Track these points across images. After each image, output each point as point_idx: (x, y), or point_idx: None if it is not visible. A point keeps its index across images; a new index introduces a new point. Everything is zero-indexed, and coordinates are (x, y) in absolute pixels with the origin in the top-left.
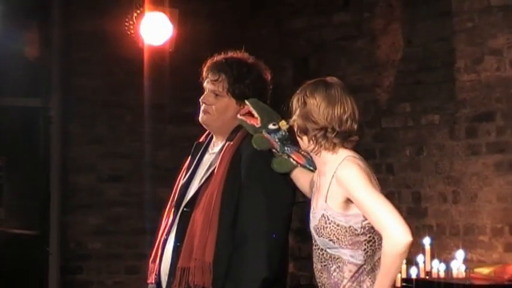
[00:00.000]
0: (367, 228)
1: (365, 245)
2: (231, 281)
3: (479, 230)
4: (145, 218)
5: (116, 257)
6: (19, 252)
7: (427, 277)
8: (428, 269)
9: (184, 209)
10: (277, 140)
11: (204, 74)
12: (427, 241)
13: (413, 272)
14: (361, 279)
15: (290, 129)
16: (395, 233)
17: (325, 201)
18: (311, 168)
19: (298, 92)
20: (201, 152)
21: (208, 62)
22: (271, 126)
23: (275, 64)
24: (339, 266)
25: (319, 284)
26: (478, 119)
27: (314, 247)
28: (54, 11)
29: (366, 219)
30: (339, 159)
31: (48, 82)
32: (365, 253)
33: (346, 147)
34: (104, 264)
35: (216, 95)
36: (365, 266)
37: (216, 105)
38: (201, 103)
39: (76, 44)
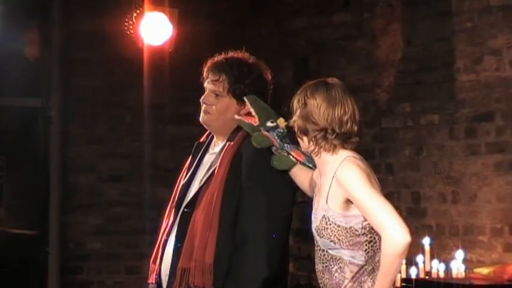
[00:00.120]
0: (367, 228)
1: (366, 245)
2: (231, 281)
3: (478, 230)
4: (145, 218)
5: (115, 257)
6: (19, 252)
7: (427, 277)
8: (427, 269)
9: (185, 210)
10: (276, 138)
11: (205, 74)
12: (426, 241)
13: (413, 272)
14: (362, 279)
15: (290, 128)
16: (394, 234)
17: (326, 202)
18: (310, 165)
19: (298, 92)
20: (201, 152)
21: (209, 62)
22: (269, 124)
23: (275, 64)
24: (340, 267)
25: (320, 285)
26: (477, 119)
27: (316, 248)
28: (54, 11)
29: (366, 219)
30: (339, 160)
31: (48, 82)
32: (366, 253)
33: (346, 148)
34: (103, 264)
35: (217, 95)
36: (366, 267)
37: (216, 106)
38: (201, 103)
39: (76, 44)
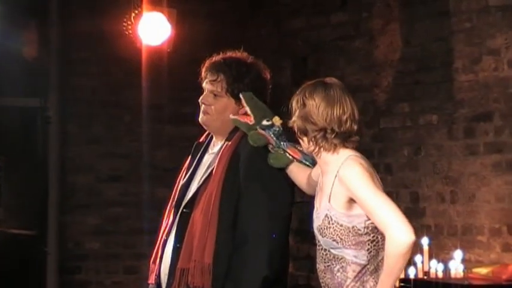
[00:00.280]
0: (370, 228)
1: (368, 245)
2: (232, 281)
3: (477, 230)
4: (143, 218)
5: (114, 257)
6: (17, 252)
7: (425, 277)
8: (426, 269)
9: (184, 210)
10: (272, 136)
11: (203, 74)
12: (425, 241)
13: (412, 272)
14: (365, 279)
15: (289, 128)
16: (398, 233)
17: (329, 201)
18: (307, 163)
19: (297, 93)
20: (201, 152)
21: (207, 63)
22: (264, 123)
23: (274, 64)
24: (343, 266)
25: (322, 285)
26: (476, 119)
27: (317, 247)
28: (53, 11)
29: (369, 219)
30: (341, 159)
31: (46, 82)
32: (368, 253)
33: (347, 147)
34: (102, 264)
35: (215, 95)
36: (368, 266)
37: (215, 106)
38: (200, 104)
39: (74, 44)
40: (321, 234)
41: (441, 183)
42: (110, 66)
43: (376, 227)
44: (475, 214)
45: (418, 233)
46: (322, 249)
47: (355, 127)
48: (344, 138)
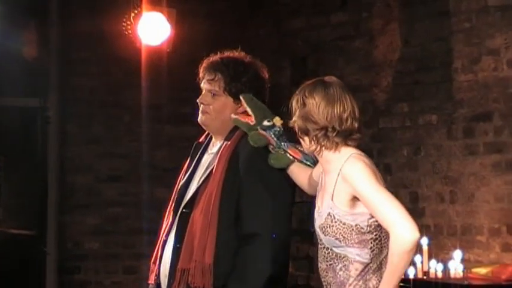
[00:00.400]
0: (373, 226)
1: (371, 243)
2: (235, 280)
3: (476, 230)
4: (143, 218)
5: (113, 257)
6: (17, 252)
7: (425, 277)
8: (425, 269)
9: (183, 210)
10: (272, 136)
11: (201, 74)
12: (424, 241)
13: (411, 272)
14: (368, 277)
15: (290, 128)
16: (403, 231)
17: (332, 200)
18: (308, 163)
19: (297, 92)
20: (200, 152)
21: (205, 62)
22: (265, 123)
23: (273, 64)
24: (345, 265)
25: (324, 284)
26: (475, 119)
27: (319, 246)
28: (52, 11)
29: (372, 217)
30: (344, 157)
31: (46, 82)
32: (371, 251)
33: (349, 146)
34: (101, 264)
35: (213, 94)
36: (371, 265)
37: (213, 105)
38: (199, 104)
39: (74, 44)
40: (323, 232)
41: (440, 183)
42: (109, 66)
43: (379, 225)
44: (475, 214)
45: None
46: (324, 248)
47: (356, 125)
48: (345, 136)
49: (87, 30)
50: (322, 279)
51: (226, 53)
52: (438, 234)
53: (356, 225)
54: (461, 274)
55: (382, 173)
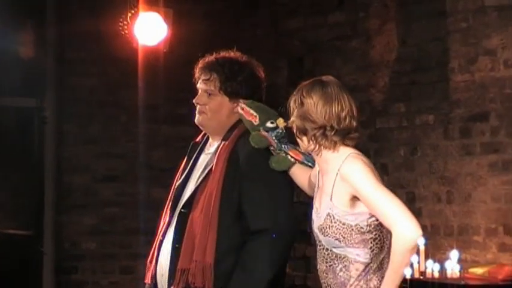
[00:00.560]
0: (373, 226)
1: (371, 243)
2: (241, 272)
3: (473, 230)
4: (139, 218)
5: (110, 257)
6: (13, 253)
7: (422, 277)
8: (422, 269)
9: (182, 210)
10: (274, 138)
11: (197, 74)
12: (421, 241)
13: (408, 272)
14: (368, 277)
15: (289, 128)
16: (404, 229)
17: (331, 200)
18: (309, 164)
19: (294, 92)
20: (197, 152)
21: (200, 63)
22: (268, 125)
23: (270, 64)
24: (345, 266)
25: (324, 285)
26: (472, 119)
27: (318, 247)
28: (49, 11)
29: (371, 216)
30: (342, 157)
31: (43, 82)
32: (371, 251)
33: (347, 145)
34: (98, 264)
35: (209, 94)
36: (371, 265)
37: (209, 105)
38: (195, 104)
39: (71, 44)
40: (322, 233)
41: (437, 183)
42: (106, 66)
43: (378, 225)
44: (471, 214)
45: None
46: (323, 249)
47: (354, 123)
48: (344, 135)
49: (84, 30)
50: (322, 281)
51: (222, 53)
52: (435, 234)
53: (356, 225)
54: (458, 274)
55: (379, 173)
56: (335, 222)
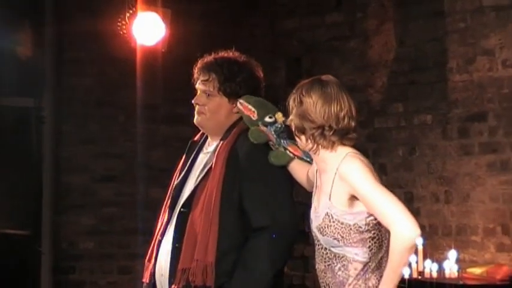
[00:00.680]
0: (371, 225)
1: (369, 242)
2: (242, 269)
3: (471, 230)
4: (138, 218)
5: (108, 257)
6: (11, 252)
7: (420, 277)
8: (420, 269)
9: (182, 209)
10: (273, 133)
11: (195, 75)
12: (419, 241)
13: (406, 272)
14: (367, 276)
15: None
16: (403, 228)
17: (329, 199)
18: (308, 159)
19: (294, 91)
20: (195, 151)
21: (199, 63)
22: (267, 119)
23: (268, 64)
24: (344, 265)
25: (322, 285)
26: (470, 119)
27: (317, 247)
28: (47, 11)
29: (370, 215)
30: (340, 156)
31: (41, 82)
32: (370, 250)
33: (345, 145)
34: (96, 264)
35: (208, 95)
36: (370, 264)
37: (208, 105)
38: (194, 105)
39: (69, 44)
40: (321, 233)
41: (435, 183)
42: (104, 66)
43: (376, 224)
44: (470, 214)
45: None
46: (322, 248)
47: (353, 123)
48: (342, 135)
49: (82, 30)
50: (320, 281)
51: (221, 53)
52: (433, 234)
53: (354, 224)
54: (456, 274)
55: (377, 173)
56: (333, 222)
